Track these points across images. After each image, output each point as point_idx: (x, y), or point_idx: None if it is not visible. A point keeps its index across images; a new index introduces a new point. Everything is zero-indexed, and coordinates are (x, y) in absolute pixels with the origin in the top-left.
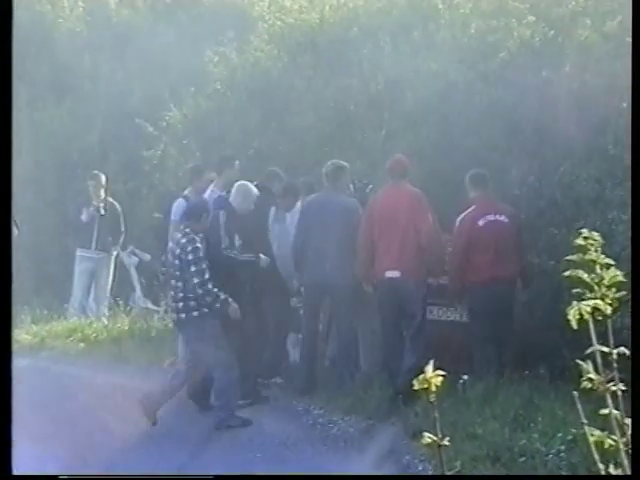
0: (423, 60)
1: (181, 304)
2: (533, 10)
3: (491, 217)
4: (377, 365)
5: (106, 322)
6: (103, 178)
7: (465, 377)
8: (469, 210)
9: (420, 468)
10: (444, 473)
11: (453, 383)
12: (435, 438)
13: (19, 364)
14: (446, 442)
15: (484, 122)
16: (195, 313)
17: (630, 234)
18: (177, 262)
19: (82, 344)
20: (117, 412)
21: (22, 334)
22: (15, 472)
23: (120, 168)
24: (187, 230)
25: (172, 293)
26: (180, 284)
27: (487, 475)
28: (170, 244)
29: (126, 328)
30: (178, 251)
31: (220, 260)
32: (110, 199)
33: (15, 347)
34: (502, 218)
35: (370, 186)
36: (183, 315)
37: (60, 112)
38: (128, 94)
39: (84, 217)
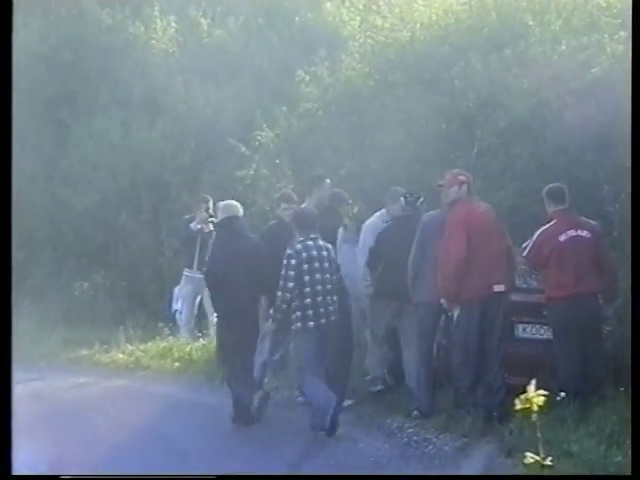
0: (514, 77)
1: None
2: (625, 25)
3: (572, 232)
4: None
5: (203, 342)
6: (211, 201)
7: (562, 394)
8: (549, 225)
9: None
10: None
11: (547, 401)
12: (538, 458)
13: (115, 384)
14: (549, 462)
15: (576, 139)
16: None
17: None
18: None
19: (177, 364)
20: (211, 432)
21: (117, 354)
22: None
23: (213, 188)
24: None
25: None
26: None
27: (487, 475)
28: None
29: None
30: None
31: None
32: (212, 219)
33: (110, 367)
34: (584, 233)
35: (421, 199)
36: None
37: (154, 133)
38: (221, 114)
39: (190, 233)
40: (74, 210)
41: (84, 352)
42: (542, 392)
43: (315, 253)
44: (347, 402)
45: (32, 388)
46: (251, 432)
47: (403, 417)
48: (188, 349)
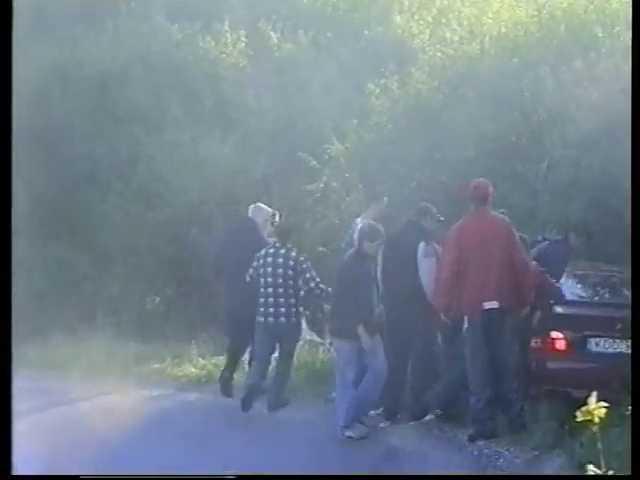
0: (584, 90)
1: None
2: None
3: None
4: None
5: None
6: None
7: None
8: None
9: None
10: None
11: (619, 414)
12: (599, 471)
13: (188, 397)
14: (611, 473)
15: None
16: None
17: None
18: None
19: None
20: (282, 445)
21: (189, 367)
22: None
23: (284, 202)
24: None
25: None
26: None
27: (489, 475)
28: None
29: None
30: None
31: None
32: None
33: (183, 380)
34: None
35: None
36: None
37: (225, 148)
38: (291, 128)
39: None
40: (146, 225)
41: (156, 366)
42: (603, 404)
43: (270, 260)
44: (429, 416)
45: (104, 402)
46: (322, 446)
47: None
48: None
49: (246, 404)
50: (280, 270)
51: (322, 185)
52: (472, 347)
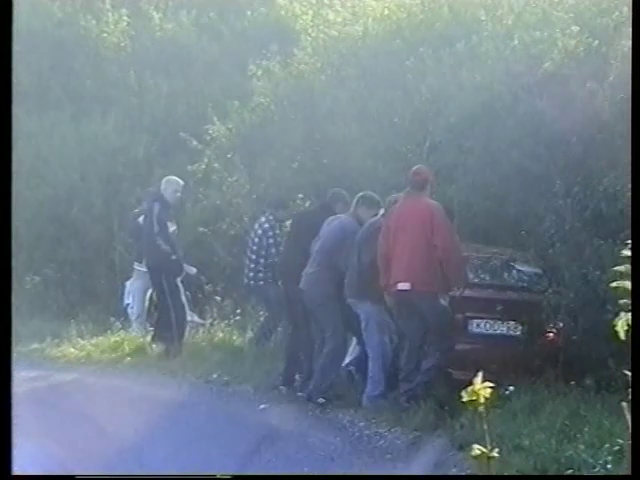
0: (467, 72)
1: None
2: (577, 20)
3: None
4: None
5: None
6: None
7: (511, 388)
8: None
9: None
10: None
11: (499, 395)
12: (484, 450)
13: (66, 378)
14: (495, 453)
15: (528, 133)
16: None
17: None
18: None
19: (128, 358)
20: (164, 425)
21: (68, 348)
22: (15, 472)
23: None
24: None
25: None
26: None
27: (487, 475)
28: None
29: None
30: None
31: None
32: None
33: (62, 361)
34: None
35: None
36: None
37: (106, 127)
38: (173, 108)
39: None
40: (26, 204)
41: (35, 346)
42: (488, 384)
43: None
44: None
45: None
46: (202, 427)
47: (354, 412)
48: (139, 343)
49: None
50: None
51: (204, 166)
52: (401, 329)
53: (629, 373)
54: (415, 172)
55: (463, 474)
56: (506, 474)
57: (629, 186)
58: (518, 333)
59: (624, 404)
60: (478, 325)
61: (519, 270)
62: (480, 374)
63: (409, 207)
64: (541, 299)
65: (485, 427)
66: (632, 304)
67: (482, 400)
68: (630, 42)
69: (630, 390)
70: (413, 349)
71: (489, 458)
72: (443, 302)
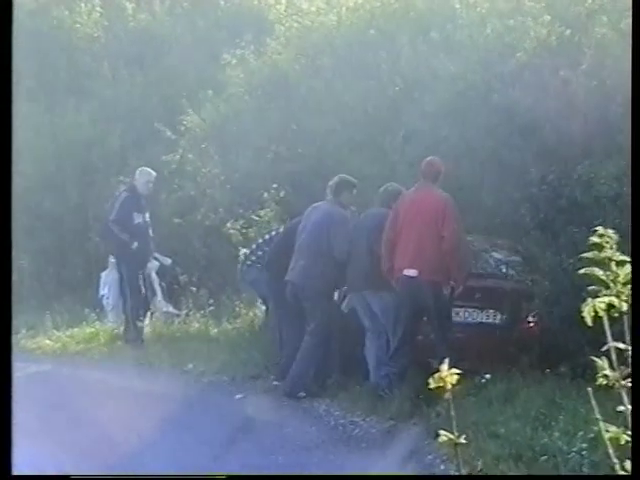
0: (441, 61)
1: None
2: (549, 9)
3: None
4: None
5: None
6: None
7: (487, 376)
8: None
9: (442, 468)
10: (460, 472)
11: (475, 383)
12: (451, 436)
13: (41, 369)
14: (462, 440)
15: (502, 122)
16: None
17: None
18: None
19: (104, 349)
20: (140, 416)
21: (44, 339)
22: (15, 472)
23: None
24: None
25: None
26: None
27: (486, 475)
28: None
29: (148, 332)
30: None
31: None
32: None
33: (37, 352)
34: None
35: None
36: None
37: (80, 117)
38: (147, 99)
39: None
40: None
41: None
42: (455, 370)
43: None
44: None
45: None
46: (178, 419)
47: (330, 401)
48: (115, 334)
49: None
50: None
51: (178, 156)
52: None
53: (597, 359)
54: (428, 163)
55: (463, 474)
56: (519, 474)
57: (602, 173)
58: (497, 321)
59: (590, 390)
60: (457, 314)
61: (496, 259)
62: (446, 360)
63: (422, 197)
64: (518, 287)
65: (452, 413)
66: (632, 304)
67: (449, 387)
68: (603, 30)
69: (621, 386)
70: (406, 334)
71: (456, 444)
72: (445, 292)
